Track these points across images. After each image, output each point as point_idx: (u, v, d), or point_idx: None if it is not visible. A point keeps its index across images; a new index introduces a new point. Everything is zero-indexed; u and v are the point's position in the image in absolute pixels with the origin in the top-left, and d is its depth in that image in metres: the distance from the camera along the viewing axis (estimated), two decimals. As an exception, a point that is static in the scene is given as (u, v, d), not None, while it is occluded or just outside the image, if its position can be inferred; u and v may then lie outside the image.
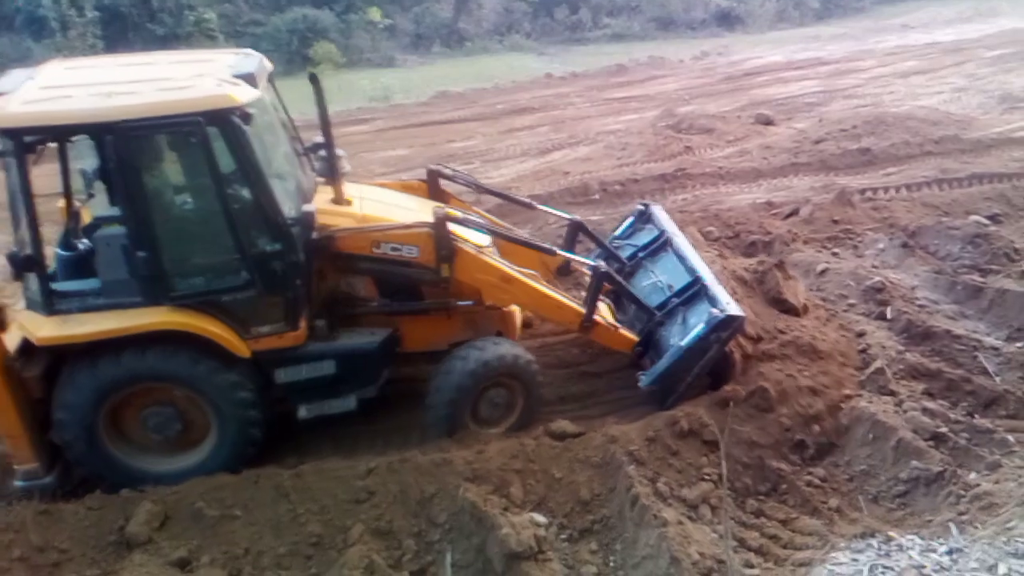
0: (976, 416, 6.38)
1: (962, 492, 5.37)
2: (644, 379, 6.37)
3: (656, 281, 7.00)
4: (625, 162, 13.34)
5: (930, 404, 6.46)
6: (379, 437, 6.44)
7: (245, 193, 5.53)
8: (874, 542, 3.84)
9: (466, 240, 6.18)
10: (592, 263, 6.64)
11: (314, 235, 5.76)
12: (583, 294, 6.71)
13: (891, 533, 4.37)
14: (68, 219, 6.35)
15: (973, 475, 5.57)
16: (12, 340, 5.56)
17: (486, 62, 23.96)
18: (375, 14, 24.85)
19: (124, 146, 5.18)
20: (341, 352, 6.01)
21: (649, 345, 6.66)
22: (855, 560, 3.67)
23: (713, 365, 6.33)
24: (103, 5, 20.59)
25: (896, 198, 11.14)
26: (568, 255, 6.90)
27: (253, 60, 5.99)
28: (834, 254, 9.34)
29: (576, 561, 5.18)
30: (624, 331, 6.66)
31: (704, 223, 9.76)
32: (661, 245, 7.34)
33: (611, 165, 13.25)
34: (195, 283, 5.59)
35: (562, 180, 12.35)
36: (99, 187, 6.34)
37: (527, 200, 7.78)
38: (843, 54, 23.03)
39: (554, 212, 7.80)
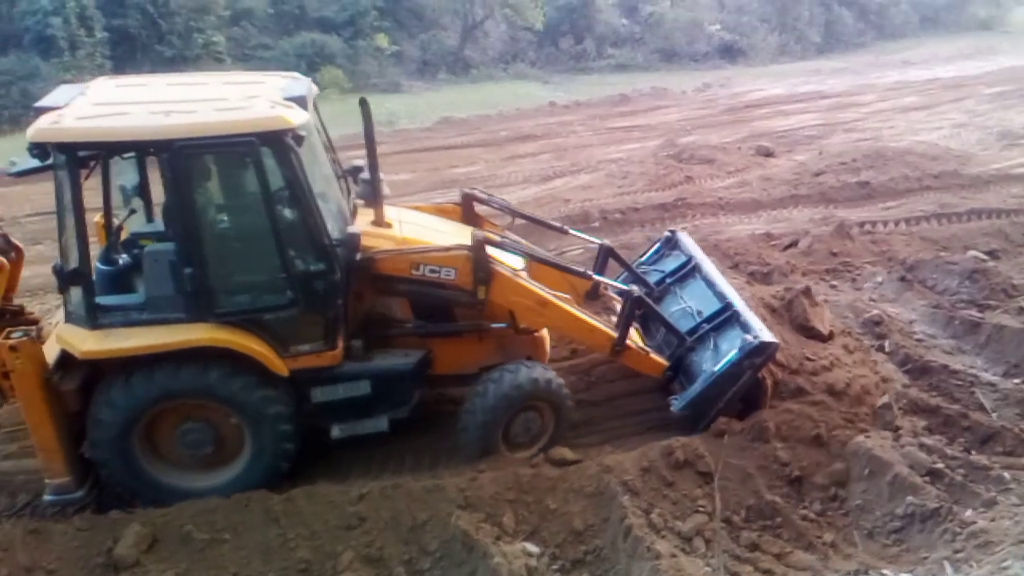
0: (973, 452, 6.32)
1: (958, 529, 5.31)
2: (676, 403, 6.41)
3: (685, 307, 7.07)
4: (626, 191, 13.42)
5: (927, 440, 6.41)
6: (374, 463, 6.42)
7: (293, 213, 5.62)
8: (868, 579, 3.81)
9: (502, 263, 6.24)
10: (625, 288, 6.69)
11: (357, 256, 5.85)
12: (612, 318, 6.74)
13: (885, 571, 4.32)
14: (110, 234, 6.44)
15: (969, 512, 5.50)
16: (50, 353, 5.59)
17: (491, 89, 24.20)
18: (382, 40, 25.16)
19: (179, 164, 5.23)
20: (376, 373, 6.05)
21: (679, 370, 6.70)
22: (848, 598, 3.64)
23: (745, 391, 6.36)
24: (112, 26, 20.83)
25: (895, 232, 11.19)
26: (603, 279, 6.99)
27: (303, 84, 6.10)
28: (832, 286, 9.36)
29: (568, 592, 5.12)
30: (655, 356, 6.68)
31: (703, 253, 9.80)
32: (689, 271, 7.43)
33: (612, 193, 13.32)
34: (240, 300, 5.66)
35: (563, 207, 12.42)
36: (137, 204, 6.49)
37: (559, 225, 7.89)
38: (844, 88, 23.26)
39: (585, 237, 7.90)
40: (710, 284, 7.09)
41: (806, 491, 6.02)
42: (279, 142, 5.32)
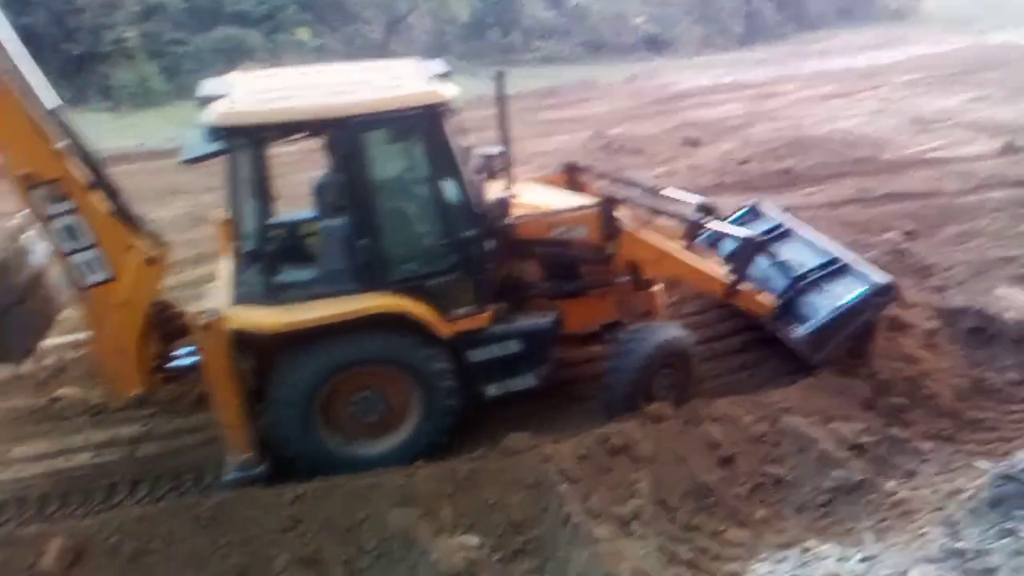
0: (894, 427, 6.64)
1: (881, 500, 5.58)
2: (801, 329, 7.01)
3: (786, 260, 7.50)
4: (557, 183, 13.50)
5: (853, 414, 6.70)
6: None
7: (450, 181, 6.05)
8: (794, 552, 3.97)
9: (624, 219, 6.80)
10: (746, 234, 7.27)
11: (506, 220, 6.37)
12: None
13: (810, 542, 4.52)
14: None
15: (892, 483, 5.78)
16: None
17: (417, 83, 24.01)
18: (304, 34, 24.68)
19: (352, 140, 5.65)
20: (523, 332, 6.52)
21: (787, 311, 7.22)
22: (773, 571, 3.79)
23: (859, 331, 6.97)
24: (17, 24, 19.89)
25: (817, 216, 11.53)
26: (722, 226, 7.55)
27: (439, 63, 6.59)
28: (759, 272, 9.62)
29: (509, 583, 5.17)
30: (764, 296, 7.18)
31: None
32: (783, 233, 8.00)
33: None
34: (409, 268, 6.09)
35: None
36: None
37: (652, 185, 8.37)
38: (766, 78, 23.89)
39: (681, 197, 8.25)
40: (809, 242, 7.74)
41: (739, 470, 6.22)
42: (440, 115, 5.83)
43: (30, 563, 5.06)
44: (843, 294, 7.03)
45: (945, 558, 3.94)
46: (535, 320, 6.63)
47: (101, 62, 20.32)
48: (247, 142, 5.52)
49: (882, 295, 6.96)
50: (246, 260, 5.79)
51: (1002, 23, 32.44)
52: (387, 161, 6.27)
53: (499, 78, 6.58)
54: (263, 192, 5.83)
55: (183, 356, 6.32)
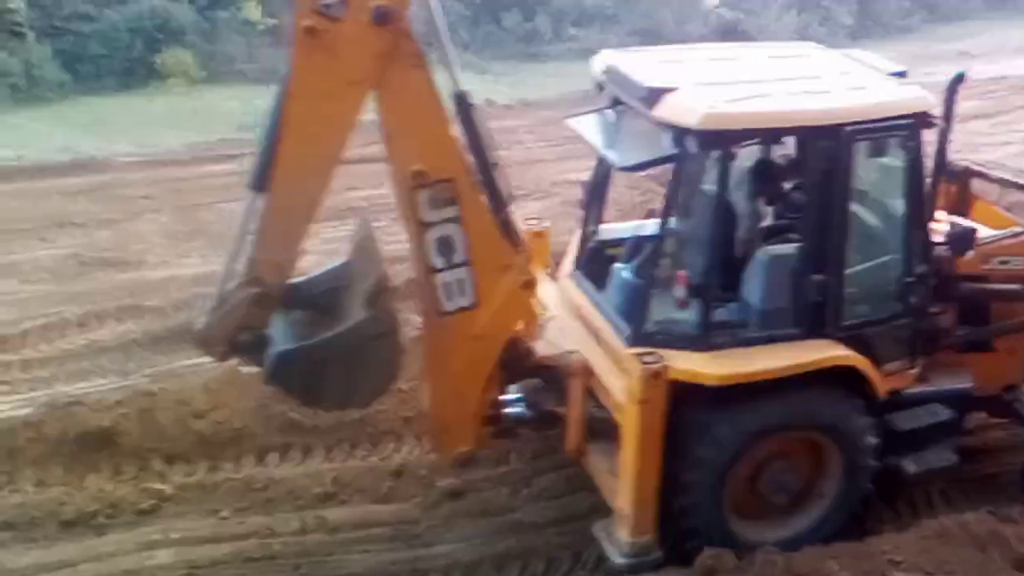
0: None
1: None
2: None
3: None
4: (588, 225, 13.49)
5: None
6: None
7: (917, 208, 6.51)
8: None
9: None
10: None
11: (967, 255, 6.90)
12: None
13: None
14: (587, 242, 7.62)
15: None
16: None
17: (406, 80, 24.27)
18: (253, 12, 24.99)
19: (838, 152, 6.07)
20: (948, 395, 6.89)
21: None
22: None
23: None
24: None
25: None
26: None
27: (867, 54, 7.23)
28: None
29: None
30: None
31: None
32: None
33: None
34: (862, 311, 6.53)
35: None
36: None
37: None
38: (883, 87, 23.96)
39: None
40: None
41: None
42: (924, 125, 6.33)
43: None
44: None
45: None
46: (958, 380, 6.94)
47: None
48: (721, 148, 6.01)
49: None
50: (692, 294, 6.09)
51: None
52: (863, 178, 6.71)
53: (954, 81, 6.87)
54: (720, 209, 6.12)
55: (512, 404, 6.64)
